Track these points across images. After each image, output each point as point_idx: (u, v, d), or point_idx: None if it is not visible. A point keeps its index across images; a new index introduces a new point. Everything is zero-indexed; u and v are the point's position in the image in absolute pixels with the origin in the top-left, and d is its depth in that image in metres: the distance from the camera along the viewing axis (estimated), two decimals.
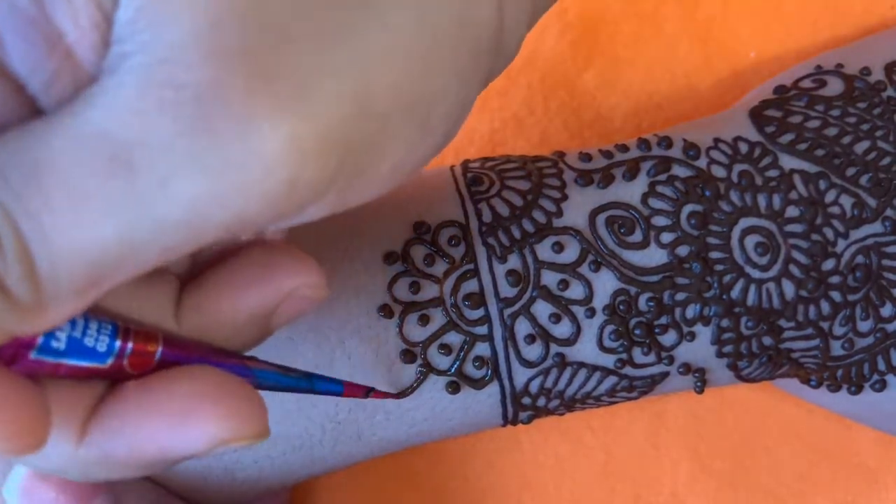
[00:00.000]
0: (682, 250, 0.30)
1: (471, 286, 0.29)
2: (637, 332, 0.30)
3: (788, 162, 0.31)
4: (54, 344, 0.19)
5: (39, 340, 0.19)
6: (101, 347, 0.20)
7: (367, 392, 0.27)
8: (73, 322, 0.20)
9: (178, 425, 0.20)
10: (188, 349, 0.22)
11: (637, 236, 0.30)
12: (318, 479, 0.37)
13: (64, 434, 0.20)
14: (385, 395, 0.28)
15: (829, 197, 0.31)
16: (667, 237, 0.30)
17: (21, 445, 0.18)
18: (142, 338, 0.21)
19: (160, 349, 0.21)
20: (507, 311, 0.29)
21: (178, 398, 0.21)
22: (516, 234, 0.29)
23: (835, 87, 0.33)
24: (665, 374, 0.31)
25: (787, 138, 0.31)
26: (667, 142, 0.31)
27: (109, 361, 0.20)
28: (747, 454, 0.39)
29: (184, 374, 0.21)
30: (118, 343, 0.20)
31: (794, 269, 0.30)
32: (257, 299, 0.23)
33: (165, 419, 0.20)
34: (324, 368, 0.29)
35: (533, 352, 0.29)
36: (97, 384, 0.21)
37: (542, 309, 0.29)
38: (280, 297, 0.23)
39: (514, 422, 0.31)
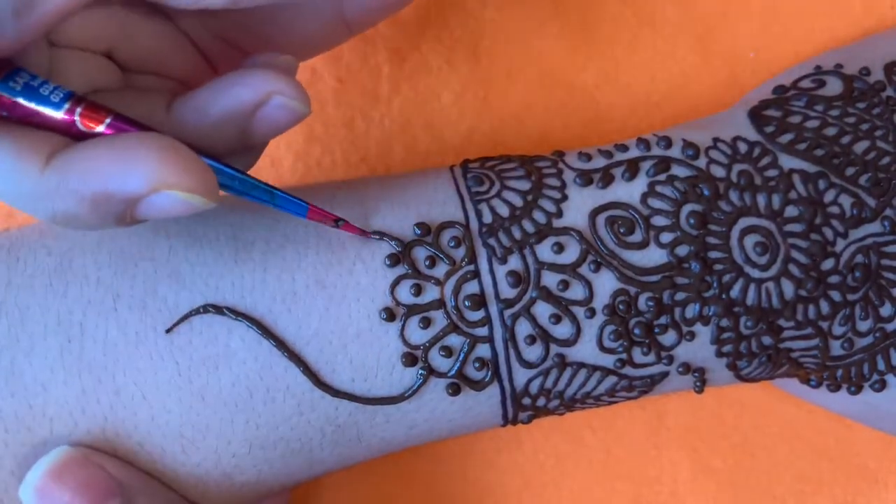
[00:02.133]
0: (682, 250, 0.30)
1: (472, 288, 0.29)
2: (637, 332, 0.30)
3: (788, 162, 0.31)
4: (11, 84, 0.24)
5: None
6: (55, 99, 0.25)
7: (337, 221, 0.29)
8: (32, 76, 0.25)
9: (122, 160, 0.24)
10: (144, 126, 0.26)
11: (637, 236, 0.30)
12: (318, 480, 0.37)
13: (31, 159, 0.24)
14: (357, 229, 0.29)
15: (829, 196, 0.31)
16: (666, 237, 0.30)
17: None
18: (94, 105, 0.25)
19: (111, 117, 0.25)
20: (508, 313, 0.29)
21: (126, 140, 0.24)
22: (516, 234, 0.29)
23: (834, 87, 0.33)
24: (665, 374, 0.31)
25: (786, 138, 0.31)
26: (666, 141, 0.31)
27: (62, 113, 0.25)
28: (747, 454, 0.39)
29: (137, 133, 0.25)
30: (71, 103, 0.25)
31: (793, 269, 0.30)
32: (234, 97, 0.27)
33: (112, 152, 0.24)
34: (326, 374, 0.29)
35: (533, 353, 0.29)
36: (59, 136, 0.25)
37: (543, 310, 0.29)
38: (256, 99, 0.27)
39: (515, 422, 0.31)
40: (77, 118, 0.25)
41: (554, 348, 0.29)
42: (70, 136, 0.25)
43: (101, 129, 0.25)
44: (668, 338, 0.30)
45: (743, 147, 0.31)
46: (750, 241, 0.30)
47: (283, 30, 0.31)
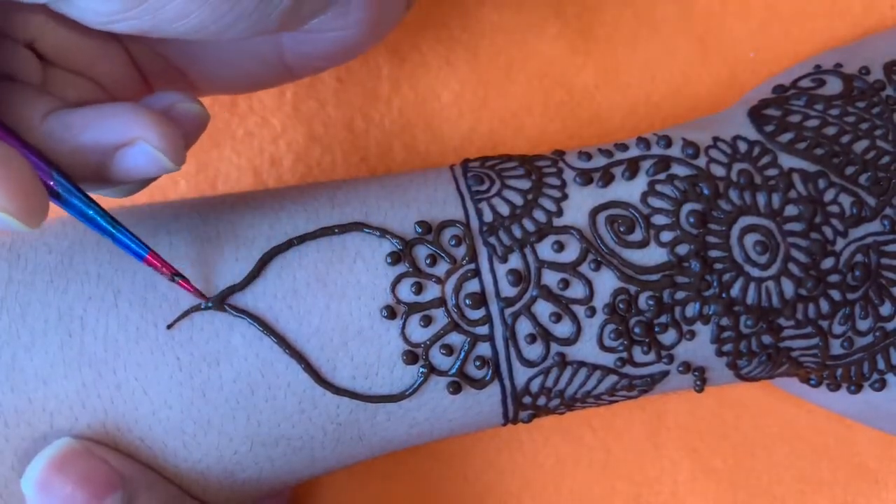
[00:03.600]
0: (682, 249, 0.30)
1: (472, 286, 0.29)
2: (637, 330, 0.30)
3: (787, 161, 0.31)
4: None
5: None
6: None
7: (174, 276, 0.28)
8: None
9: None
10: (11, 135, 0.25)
11: (637, 235, 0.30)
12: (318, 479, 0.37)
13: None
14: (193, 288, 0.28)
15: (829, 196, 0.31)
16: (666, 236, 0.30)
17: None
18: None
19: None
20: (508, 311, 0.29)
21: None
22: (517, 233, 0.29)
23: (834, 86, 0.33)
24: (665, 373, 0.31)
25: (786, 137, 0.31)
26: (666, 141, 0.31)
27: None
28: (747, 454, 0.39)
29: None
30: None
31: (793, 268, 0.30)
32: (98, 129, 0.26)
33: None
34: (327, 372, 0.29)
35: (534, 351, 0.29)
36: None
37: (543, 308, 0.29)
38: (119, 140, 0.26)
39: (515, 421, 0.31)
40: None
41: (554, 347, 0.30)
42: None
43: None
44: (669, 337, 0.30)
45: (743, 146, 0.31)
46: (750, 240, 0.30)
47: (219, 62, 0.31)
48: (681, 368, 0.31)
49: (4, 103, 0.26)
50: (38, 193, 0.24)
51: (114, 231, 0.27)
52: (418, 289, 0.29)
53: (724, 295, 0.30)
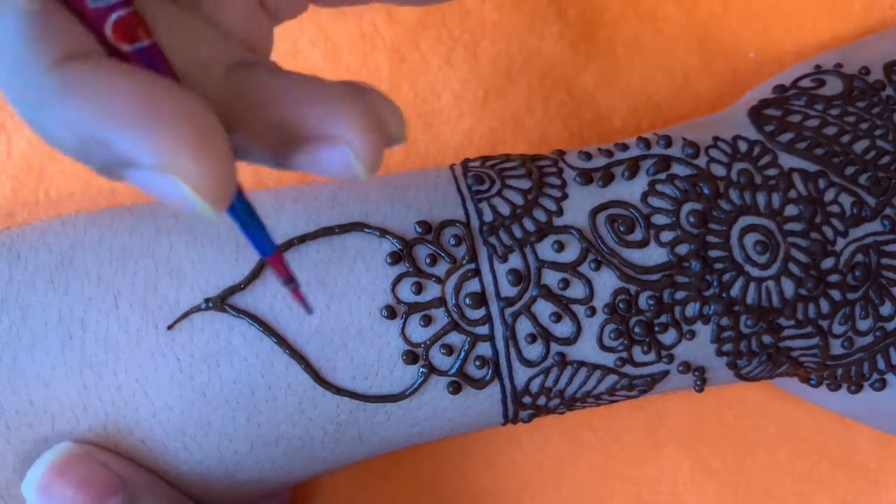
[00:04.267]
0: (682, 249, 0.30)
1: (472, 286, 0.29)
2: (637, 330, 0.30)
3: (788, 161, 0.31)
4: None
5: None
6: None
7: (291, 282, 0.24)
8: None
9: (143, 114, 0.19)
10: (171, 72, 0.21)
11: (637, 235, 0.30)
12: (318, 479, 0.37)
13: (42, 49, 0.19)
14: (303, 302, 0.25)
15: (829, 195, 0.31)
16: (666, 236, 0.30)
17: None
18: (135, 18, 0.20)
19: (147, 41, 0.20)
20: (509, 311, 0.29)
21: (158, 92, 0.19)
22: (517, 233, 0.29)
23: (834, 86, 0.33)
24: (665, 373, 0.31)
25: (786, 137, 0.31)
26: (666, 140, 0.31)
27: (99, 3, 0.20)
28: (747, 454, 0.39)
29: (177, 91, 0.19)
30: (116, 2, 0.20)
31: (793, 268, 0.30)
32: (305, 113, 0.22)
33: (135, 97, 0.19)
34: (327, 372, 0.29)
35: (534, 351, 0.29)
36: (90, 40, 0.20)
37: (543, 308, 0.29)
38: (316, 132, 0.22)
39: (515, 421, 0.31)
40: (109, 22, 0.20)
41: (554, 347, 0.30)
42: (100, 40, 0.20)
43: (126, 48, 0.20)
44: (669, 336, 0.30)
45: (743, 146, 0.31)
46: (750, 239, 0.30)
47: None
48: (681, 368, 0.31)
49: (178, 39, 0.22)
50: (233, 180, 0.20)
51: (247, 219, 0.23)
52: (418, 289, 0.29)
53: (724, 295, 0.30)
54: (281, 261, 0.24)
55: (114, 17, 0.19)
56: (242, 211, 0.22)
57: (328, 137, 0.21)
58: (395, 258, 0.29)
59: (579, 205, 0.30)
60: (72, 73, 0.19)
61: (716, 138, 0.32)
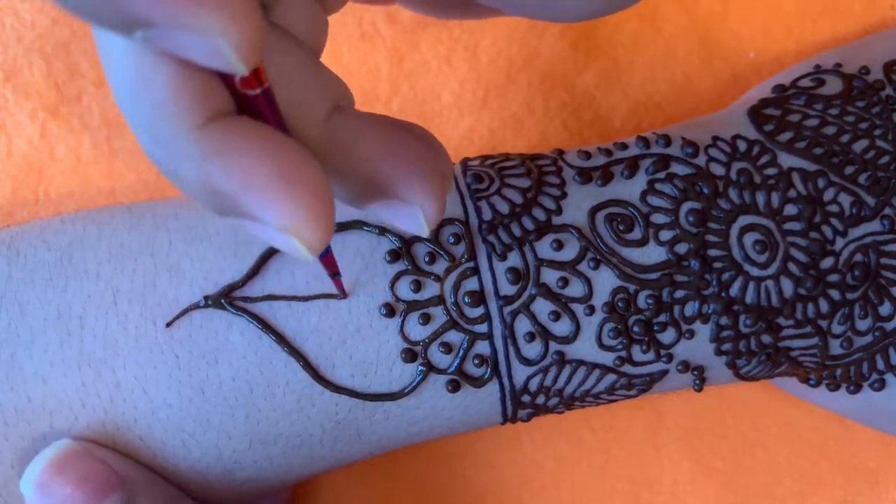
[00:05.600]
0: (681, 248, 0.30)
1: (471, 284, 0.29)
2: (636, 329, 0.30)
3: (787, 160, 0.31)
4: None
5: None
6: None
7: (336, 273, 0.28)
8: None
9: (277, 185, 0.20)
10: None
11: (636, 234, 0.30)
12: (318, 478, 0.37)
13: (193, 110, 0.20)
14: (342, 289, 0.28)
15: (828, 195, 0.31)
16: (666, 235, 0.30)
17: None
18: (259, 68, 0.20)
19: (267, 84, 0.21)
20: (507, 310, 0.29)
21: (289, 161, 0.20)
22: (516, 231, 0.29)
23: (833, 86, 0.33)
24: (664, 372, 0.31)
25: (785, 137, 0.31)
26: (666, 140, 0.31)
27: None
28: (747, 454, 0.39)
29: (303, 160, 0.21)
30: None
31: (792, 268, 0.30)
32: (378, 168, 0.24)
33: (271, 166, 0.20)
34: (326, 370, 0.29)
35: (532, 350, 0.29)
36: (223, 91, 0.20)
37: (542, 307, 0.29)
38: (396, 193, 0.24)
39: (514, 420, 0.31)
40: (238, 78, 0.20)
41: (553, 345, 0.30)
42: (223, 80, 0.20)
43: (249, 93, 0.20)
44: (668, 336, 0.30)
45: (742, 145, 0.31)
46: (749, 239, 0.30)
47: None
48: (680, 367, 0.31)
49: (285, 78, 0.23)
50: (332, 229, 0.21)
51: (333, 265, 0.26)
52: (417, 287, 0.29)
53: (723, 294, 0.30)
54: (332, 259, 0.27)
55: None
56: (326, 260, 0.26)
57: (408, 201, 0.25)
58: (394, 256, 0.29)
59: (578, 203, 0.30)
60: (216, 137, 0.20)
61: (715, 138, 0.32)
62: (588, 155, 0.32)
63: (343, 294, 0.29)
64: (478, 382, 0.29)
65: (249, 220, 0.21)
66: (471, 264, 0.29)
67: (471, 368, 0.29)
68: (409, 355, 0.29)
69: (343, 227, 0.29)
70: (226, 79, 0.20)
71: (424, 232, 0.25)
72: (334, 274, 0.28)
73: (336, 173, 0.24)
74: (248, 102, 0.21)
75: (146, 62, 0.19)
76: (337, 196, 0.25)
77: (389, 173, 0.24)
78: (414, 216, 0.25)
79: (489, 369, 0.29)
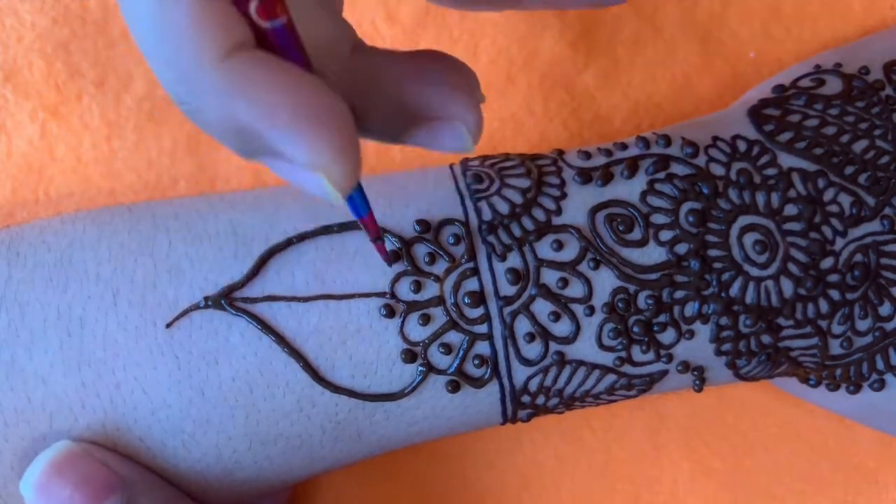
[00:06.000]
0: (681, 248, 0.30)
1: (471, 285, 0.29)
2: (636, 330, 0.30)
3: (787, 160, 0.31)
4: None
5: None
6: None
7: (378, 238, 0.28)
8: None
9: (301, 117, 0.20)
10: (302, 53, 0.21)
11: (636, 234, 0.30)
12: (318, 478, 0.37)
13: (215, 43, 0.20)
14: (385, 254, 0.28)
15: (828, 195, 0.31)
16: (666, 235, 0.30)
17: None
18: (275, 0, 0.20)
19: (284, 20, 0.20)
20: (507, 310, 0.29)
21: (310, 97, 0.20)
22: (516, 232, 0.29)
23: (833, 86, 0.33)
24: (664, 373, 0.31)
25: (785, 137, 0.31)
26: (665, 140, 0.31)
27: None
28: (747, 454, 0.39)
29: (325, 94, 0.21)
30: None
31: (792, 268, 0.30)
32: (427, 95, 0.24)
33: (294, 100, 0.20)
34: (326, 370, 0.29)
35: (532, 350, 0.29)
36: (243, 24, 0.20)
37: (542, 307, 0.29)
38: (436, 113, 0.25)
39: (514, 420, 0.31)
40: (255, 2, 0.20)
41: (553, 346, 0.30)
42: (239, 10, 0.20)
43: (267, 25, 0.20)
44: (668, 336, 0.30)
45: (742, 145, 0.31)
46: (749, 239, 0.30)
47: None
48: (680, 368, 0.31)
49: (307, 18, 0.23)
50: (359, 167, 0.21)
51: (357, 195, 0.25)
52: (417, 287, 0.29)
53: (723, 294, 0.30)
54: (373, 219, 0.27)
55: None
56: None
57: (447, 117, 0.25)
58: (394, 256, 0.29)
59: (578, 204, 0.30)
60: (238, 69, 0.20)
61: (715, 138, 0.32)
62: (588, 155, 0.32)
63: (387, 260, 0.29)
64: (478, 383, 0.29)
65: (276, 158, 0.20)
66: (471, 265, 0.29)
67: (471, 369, 0.29)
68: (409, 356, 0.29)
69: (343, 227, 0.29)
70: (245, 12, 0.20)
71: (470, 147, 0.25)
72: (376, 238, 0.27)
73: (369, 107, 0.24)
74: (268, 39, 0.21)
75: None
76: (376, 134, 0.25)
77: (423, 93, 0.24)
78: (457, 132, 0.25)
79: (489, 370, 0.29)
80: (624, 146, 0.32)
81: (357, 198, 0.25)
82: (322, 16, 0.24)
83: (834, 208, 0.31)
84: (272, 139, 0.20)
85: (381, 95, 0.24)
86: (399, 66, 0.25)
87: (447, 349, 0.29)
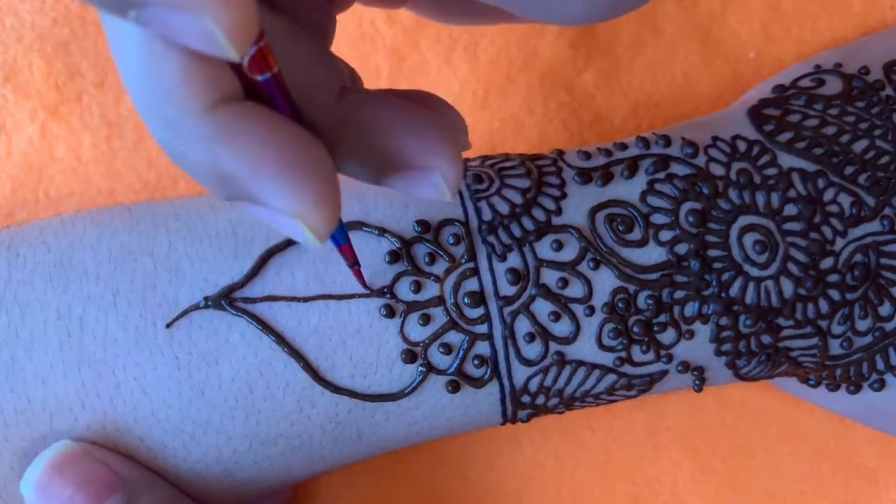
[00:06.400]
0: (681, 248, 0.30)
1: (471, 285, 0.29)
2: (636, 330, 0.30)
3: (787, 160, 0.31)
4: None
5: None
6: None
7: (356, 264, 0.28)
8: None
9: (285, 169, 0.20)
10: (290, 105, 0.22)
11: (636, 234, 0.30)
12: (318, 478, 0.37)
13: (199, 94, 0.20)
14: (362, 280, 0.29)
15: (828, 195, 0.31)
16: (665, 235, 0.30)
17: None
18: (268, 50, 0.20)
19: (276, 69, 0.21)
20: (507, 310, 0.29)
21: (297, 144, 0.21)
22: (516, 232, 0.29)
23: (833, 86, 0.33)
24: (664, 373, 0.31)
25: (785, 137, 0.31)
26: (665, 140, 0.31)
27: None
28: (747, 454, 0.39)
29: (311, 144, 0.21)
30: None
31: (792, 268, 0.30)
32: (395, 143, 0.24)
33: (279, 150, 0.20)
34: (326, 371, 0.29)
35: (532, 350, 0.29)
36: (231, 75, 0.21)
37: (542, 307, 0.29)
38: (414, 162, 0.25)
39: (514, 420, 0.31)
40: (248, 55, 0.20)
41: (553, 346, 0.30)
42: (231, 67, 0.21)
43: (258, 77, 0.21)
44: (667, 336, 0.30)
45: (742, 146, 0.31)
46: (749, 239, 0.30)
47: None
48: (680, 368, 0.31)
49: (294, 63, 0.23)
50: (339, 217, 0.22)
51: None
52: (417, 287, 0.29)
53: (723, 294, 0.30)
54: (351, 249, 0.27)
55: (252, 49, 0.20)
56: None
57: (426, 168, 0.25)
58: (394, 257, 0.29)
59: (578, 204, 0.30)
60: (224, 120, 0.20)
61: (715, 138, 0.32)
62: (588, 155, 0.32)
63: (364, 286, 0.29)
64: (478, 383, 0.29)
65: (256, 204, 0.21)
66: (471, 265, 0.29)
67: (471, 369, 0.29)
68: (409, 356, 0.29)
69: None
70: (235, 65, 0.20)
71: (447, 196, 0.25)
72: (353, 264, 0.28)
73: (353, 152, 0.24)
74: (257, 89, 0.21)
75: (156, 48, 0.19)
76: (357, 175, 0.25)
77: (404, 144, 0.25)
78: (434, 183, 0.25)
79: (489, 370, 0.29)
80: (624, 146, 0.32)
81: (336, 230, 0.26)
82: (311, 60, 0.24)
83: (834, 208, 0.31)
84: (254, 188, 0.20)
85: (364, 142, 0.25)
86: (384, 114, 0.25)
87: (447, 349, 0.29)
